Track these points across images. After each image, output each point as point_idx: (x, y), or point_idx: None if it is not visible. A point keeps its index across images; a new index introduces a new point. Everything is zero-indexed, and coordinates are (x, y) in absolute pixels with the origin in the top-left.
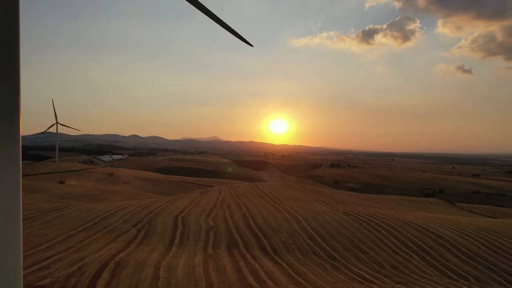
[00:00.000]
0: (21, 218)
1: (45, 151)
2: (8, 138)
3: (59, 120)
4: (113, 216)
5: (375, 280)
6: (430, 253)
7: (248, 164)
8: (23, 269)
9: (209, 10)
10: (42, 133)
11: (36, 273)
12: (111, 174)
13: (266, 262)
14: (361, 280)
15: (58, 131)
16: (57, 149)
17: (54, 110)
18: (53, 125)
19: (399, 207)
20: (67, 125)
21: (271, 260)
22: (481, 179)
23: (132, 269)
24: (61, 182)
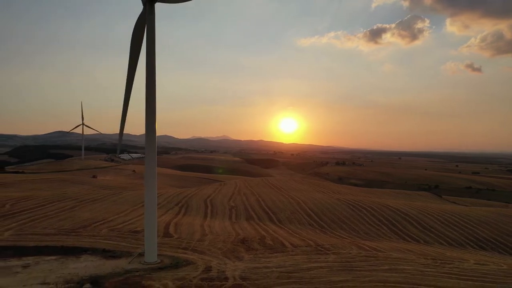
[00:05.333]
0: (156, 191)
1: (64, 149)
2: (151, 139)
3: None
4: (158, 198)
5: (349, 239)
6: (396, 225)
7: (258, 162)
8: (121, 223)
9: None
10: (68, 132)
11: (129, 226)
12: (134, 171)
13: (274, 227)
14: (339, 238)
15: (72, 131)
16: (83, 148)
17: (82, 112)
18: (78, 125)
19: (388, 197)
20: (91, 127)
21: (277, 226)
22: (479, 176)
23: (186, 226)
24: (94, 177)
